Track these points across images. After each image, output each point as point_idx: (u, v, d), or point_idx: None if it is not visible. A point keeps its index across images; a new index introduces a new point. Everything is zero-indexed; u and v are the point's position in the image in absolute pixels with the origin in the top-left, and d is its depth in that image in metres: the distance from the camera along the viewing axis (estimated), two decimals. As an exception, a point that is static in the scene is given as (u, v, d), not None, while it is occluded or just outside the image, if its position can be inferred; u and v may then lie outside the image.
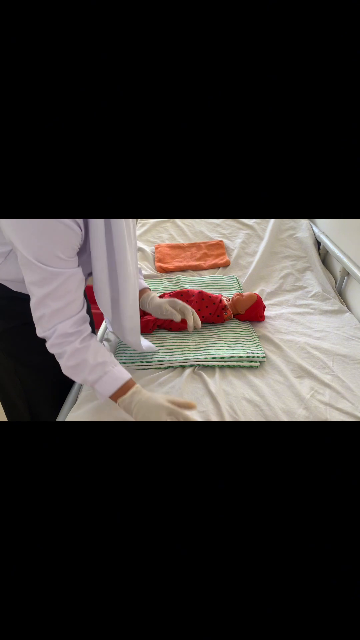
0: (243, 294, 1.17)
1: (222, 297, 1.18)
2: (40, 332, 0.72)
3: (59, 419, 0.87)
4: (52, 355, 0.75)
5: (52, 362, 0.76)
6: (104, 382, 0.74)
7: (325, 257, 1.52)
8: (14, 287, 0.83)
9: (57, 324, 0.69)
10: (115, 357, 0.99)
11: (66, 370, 0.74)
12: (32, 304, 0.69)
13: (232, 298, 1.18)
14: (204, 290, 1.20)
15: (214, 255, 1.54)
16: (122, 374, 0.76)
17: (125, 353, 1.00)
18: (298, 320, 1.20)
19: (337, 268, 1.40)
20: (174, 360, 0.97)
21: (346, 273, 1.33)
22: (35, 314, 0.70)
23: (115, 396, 0.75)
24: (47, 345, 0.72)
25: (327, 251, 1.49)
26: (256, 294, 1.17)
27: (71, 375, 0.74)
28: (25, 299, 0.73)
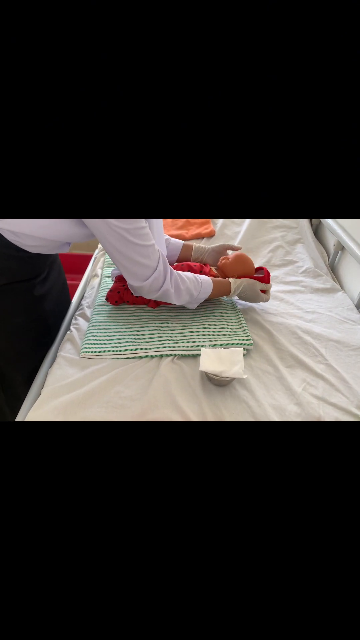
0: (229, 256, 1.06)
1: (211, 268, 1.07)
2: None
3: (19, 418, 0.76)
4: (36, 315, 0.91)
5: (33, 322, 0.91)
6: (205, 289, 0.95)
7: (317, 228, 1.40)
8: (20, 240, 0.79)
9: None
10: (84, 344, 0.87)
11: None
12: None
13: (218, 265, 1.07)
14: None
15: (198, 224, 1.40)
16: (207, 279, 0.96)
17: (95, 341, 0.88)
18: (288, 300, 1.10)
19: (331, 241, 1.29)
20: (151, 348, 0.86)
21: (340, 247, 1.22)
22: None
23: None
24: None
25: (320, 221, 1.37)
26: (243, 254, 1.07)
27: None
28: (17, 257, 0.80)
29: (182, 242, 1.11)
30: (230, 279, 0.99)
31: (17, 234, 0.78)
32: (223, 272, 1.05)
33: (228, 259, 1.05)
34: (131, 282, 0.84)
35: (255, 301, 1.03)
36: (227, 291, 0.99)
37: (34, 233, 0.78)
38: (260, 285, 1.01)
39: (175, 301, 0.91)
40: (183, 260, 1.10)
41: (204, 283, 0.94)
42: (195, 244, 1.14)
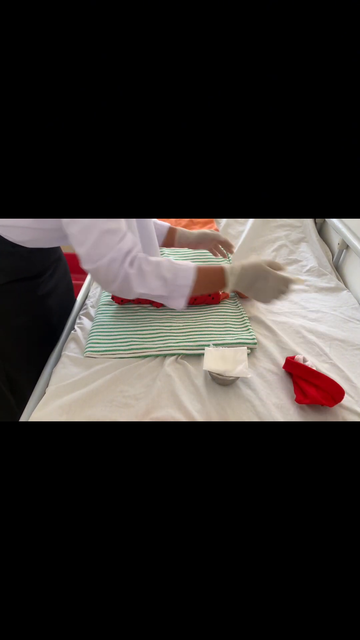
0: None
1: None
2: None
3: (23, 417, 0.76)
4: (39, 315, 0.89)
5: (37, 321, 0.89)
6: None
7: (321, 227, 1.39)
8: (11, 235, 0.76)
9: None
10: (88, 344, 0.87)
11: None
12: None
13: None
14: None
15: (201, 223, 1.40)
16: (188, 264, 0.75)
17: (100, 340, 0.88)
18: (291, 299, 1.09)
19: (335, 240, 1.29)
20: (155, 347, 0.86)
21: (345, 246, 1.22)
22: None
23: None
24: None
25: (324, 220, 1.37)
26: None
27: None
28: (15, 253, 0.77)
29: (168, 225, 0.96)
30: (225, 265, 0.75)
31: (6, 227, 0.74)
32: None
33: None
34: (86, 265, 0.70)
35: (270, 300, 0.75)
36: (221, 281, 0.75)
37: (18, 223, 0.73)
38: (274, 279, 0.72)
39: (141, 288, 0.70)
40: (168, 246, 0.96)
41: (182, 267, 0.73)
42: (180, 228, 0.99)
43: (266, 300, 0.76)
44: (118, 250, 0.67)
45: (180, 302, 0.74)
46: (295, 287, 0.75)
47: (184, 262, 0.75)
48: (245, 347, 0.84)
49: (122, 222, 0.69)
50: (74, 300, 1.11)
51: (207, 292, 0.79)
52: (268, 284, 0.73)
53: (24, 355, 0.93)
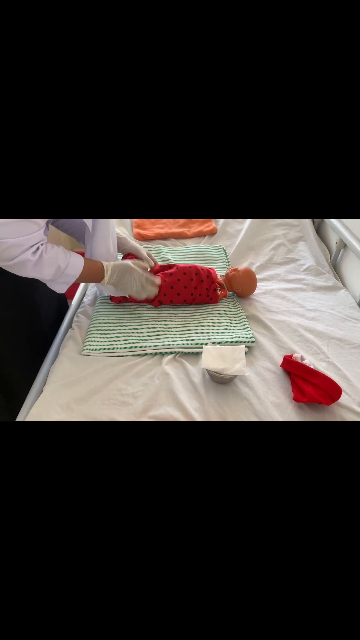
0: (239, 268, 1.05)
1: (218, 275, 1.06)
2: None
3: (21, 416, 0.76)
4: (26, 309, 0.87)
5: (24, 315, 0.87)
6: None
7: (319, 225, 1.39)
8: None
9: None
10: (86, 342, 0.87)
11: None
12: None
13: (227, 274, 1.06)
14: (191, 263, 1.07)
15: (200, 222, 1.40)
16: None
17: (98, 339, 0.88)
18: (290, 298, 1.09)
19: (333, 239, 1.29)
20: (153, 346, 0.86)
21: (343, 244, 1.22)
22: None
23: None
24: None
25: (322, 219, 1.37)
26: (252, 271, 1.06)
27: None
28: None
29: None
30: (104, 262, 0.87)
31: None
32: (229, 283, 1.05)
33: (238, 270, 1.04)
34: None
35: (135, 291, 0.89)
36: (100, 275, 0.86)
37: None
38: (138, 274, 0.88)
39: (34, 273, 0.75)
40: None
41: (74, 259, 0.81)
42: (121, 234, 1.01)
43: (132, 291, 0.90)
44: (27, 239, 0.70)
45: (62, 288, 0.83)
46: (157, 281, 0.93)
47: (76, 254, 0.82)
48: (243, 346, 0.84)
49: (44, 222, 0.73)
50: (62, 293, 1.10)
51: (87, 282, 0.88)
52: (133, 277, 0.88)
53: (12, 349, 0.92)
